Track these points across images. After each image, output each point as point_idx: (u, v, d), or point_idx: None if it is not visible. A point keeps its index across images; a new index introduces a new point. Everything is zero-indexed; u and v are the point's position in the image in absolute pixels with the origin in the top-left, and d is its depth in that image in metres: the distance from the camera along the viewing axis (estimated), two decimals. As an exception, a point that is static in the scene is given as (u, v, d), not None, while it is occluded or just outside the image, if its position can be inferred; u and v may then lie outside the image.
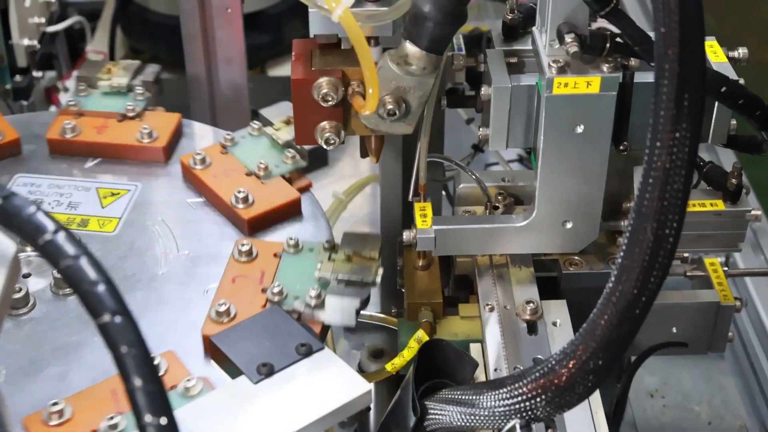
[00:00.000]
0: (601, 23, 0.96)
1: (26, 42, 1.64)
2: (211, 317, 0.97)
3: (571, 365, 0.82)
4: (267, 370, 0.85)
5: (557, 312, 1.06)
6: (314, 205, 1.17)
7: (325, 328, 1.01)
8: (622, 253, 0.80)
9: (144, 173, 1.23)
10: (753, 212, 1.09)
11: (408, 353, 1.07)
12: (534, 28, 1.02)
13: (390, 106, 0.98)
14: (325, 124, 1.02)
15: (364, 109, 0.97)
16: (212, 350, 0.89)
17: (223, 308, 0.97)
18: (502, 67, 1.04)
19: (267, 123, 1.26)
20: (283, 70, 2.10)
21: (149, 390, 0.60)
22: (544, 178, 1.02)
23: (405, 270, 1.17)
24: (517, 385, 0.84)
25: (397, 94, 0.98)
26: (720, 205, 1.08)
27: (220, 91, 1.66)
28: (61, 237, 0.62)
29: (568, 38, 0.95)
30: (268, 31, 2.06)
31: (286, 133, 1.21)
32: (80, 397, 0.91)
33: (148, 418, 0.59)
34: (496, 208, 1.14)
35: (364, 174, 1.74)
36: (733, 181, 1.08)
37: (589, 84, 0.97)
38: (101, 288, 0.61)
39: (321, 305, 1.00)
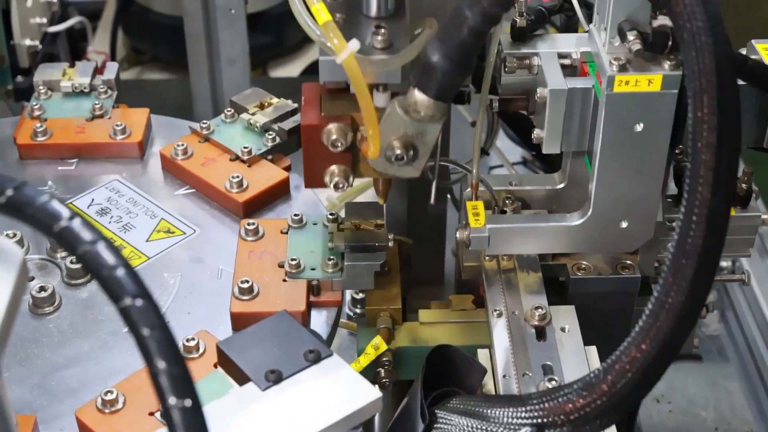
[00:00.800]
0: (662, 20, 0.95)
1: (28, 42, 1.63)
2: (236, 295, 1.04)
3: (595, 396, 0.82)
4: (275, 377, 0.84)
5: (566, 318, 1.05)
6: (299, 183, 1.20)
7: (339, 310, 1.08)
8: (660, 288, 0.80)
9: (123, 169, 1.25)
10: (763, 217, 1.09)
11: (364, 359, 1.08)
12: (591, 26, 1.01)
13: (398, 152, 0.97)
14: (334, 168, 1.02)
15: (368, 155, 0.97)
16: (219, 356, 0.88)
17: (246, 285, 1.04)
18: (557, 68, 1.03)
19: (241, 109, 1.28)
20: (284, 70, 2.10)
21: (173, 372, 0.59)
22: (600, 176, 1.01)
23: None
24: (535, 404, 0.84)
25: (406, 140, 0.97)
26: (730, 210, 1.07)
27: (222, 91, 1.66)
28: (76, 223, 0.61)
29: (631, 36, 0.94)
30: (270, 32, 2.05)
31: (262, 117, 1.26)
32: (128, 383, 0.95)
33: (172, 400, 0.59)
34: (504, 212, 1.13)
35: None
36: (743, 185, 1.07)
37: (650, 82, 0.95)
38: (121, 272, 0.60)
39: (339, 272, 1.08)
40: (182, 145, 1.23)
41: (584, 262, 1.11)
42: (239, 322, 1.02)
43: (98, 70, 1.35)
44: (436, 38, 0.93)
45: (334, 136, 0.99)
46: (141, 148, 1.27)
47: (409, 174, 1.00)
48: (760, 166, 1.26)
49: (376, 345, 1.07)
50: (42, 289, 1.05)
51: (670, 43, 0.95)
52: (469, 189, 1.17)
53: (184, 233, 1.16)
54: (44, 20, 1.71)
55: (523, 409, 0.84)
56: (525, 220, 1.09)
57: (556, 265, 1.12)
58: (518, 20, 1.06)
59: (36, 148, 1.26)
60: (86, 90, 1.32)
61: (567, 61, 1.05)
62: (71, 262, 1.08)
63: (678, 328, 0.80)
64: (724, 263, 1.47)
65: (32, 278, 1.08)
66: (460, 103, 1.20)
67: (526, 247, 1.09)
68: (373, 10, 0.98)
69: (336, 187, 1.02)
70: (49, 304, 1.06)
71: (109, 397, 0.93)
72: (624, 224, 1.05)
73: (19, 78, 1.63)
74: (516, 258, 1.11)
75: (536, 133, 1.05)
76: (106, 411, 0.93)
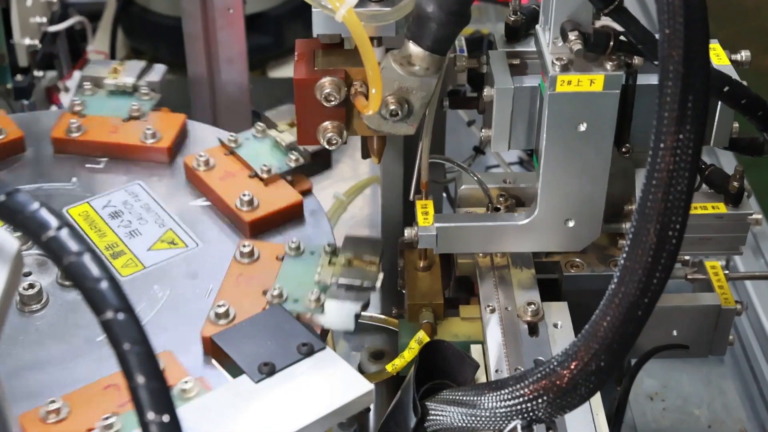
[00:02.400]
0: (605, 21, 0.96)
1: (27, 41, 1.64)
2: (210, 319, 0.98)
3: (573, 367, 0.82)
4: (268, 370, 0.85)
5: (558, 314, 1.06)
6: (316, 208, 1.17)
7: (325, 330, 1.01)
8: (624, 255, 0.80)
9: (148, 173, 1.23)
10: (754, 216, 1.09)
11: (408, 354, 1.07)
12: (537, 26, 1.02)
13: (393, 107, 0.98)
14: (327, 124, 1.02)
15: (367, 109, 0.97)
16: (213, 349, 0.89)
17: (221, 309, 0.98)
18: (504, 68, 1.04)
19: (271, 125, 1.26)
20: (283, 71, 2.10)
21: (152, 387, 0.60)
22: (546, 176, 1.02)
23: (406, 271, 1.17)
24: (518, 386, 0.84)
25: (400, 95, 0.98)
26: (722, 208, 1.08)
27: (221, 91, 1.66)
28: (64, 233, 0.62)
29: (572, 36, 0.95)
30: (269, 33, 2.06)
31: (290, 135, 1.21)
32: (78, 395, 0.91)
33: (150, 415, 0.59)
34: (498, 209, 1.14)
35: (364, 175, 1.74)
36: (735, 184, 1.08)
37: (592, 82, 0.97)
38: (104, 285, 0.61)
39: (320, 309, 1.00)
40: (204, 156, 1.19)
41: (577, 260, 1.12)
42: (210, 346, 0.96)
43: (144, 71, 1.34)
44: None
45: (327, 90, 0.99)
46: (170, 154, 1.24)
47: (404, 131, 1.01)
48: (755, 168, 1.27)
49: (420, 339, 1.07)
50: (30, 286, 1.04)
51: (612, 43, 0.96)
52: (464, 186, 1.18)
53: (187, 246, 1.12)
54: (44, 20, 1.72)
55: (505, 390, 0.85)
56: (472, 219, 1.10)
57: (549, 262, 1.13)
58: (512, 19, 1.07)
59: (68, 143, 1.24)
60: (129, 90, 1.31)
61: (516, 61, 1.05)
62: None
63: (645, 288, 0.80)
64: (718, 261, 1.47)
65: (29, 273, 1.08)
66: (459, 107, 1.20)
67: (474, 246, 1.10)
68: None
69: (329, 143, 1.01)
70: (36, 302, 1.04)
71: (53, 407, 0.90)
72: (571, 223, 1.06)
73: (19, 77, 1.64)
74: (509, 255, 1.12)
75: (484, 132, 1.05)
76: (48, 421, 0.89)
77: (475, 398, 0.89)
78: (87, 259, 0.62)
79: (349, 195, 1.63)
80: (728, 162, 1.59)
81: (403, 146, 1.27)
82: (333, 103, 0.99)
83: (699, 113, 0.78)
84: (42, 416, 0.89)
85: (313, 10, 0.96)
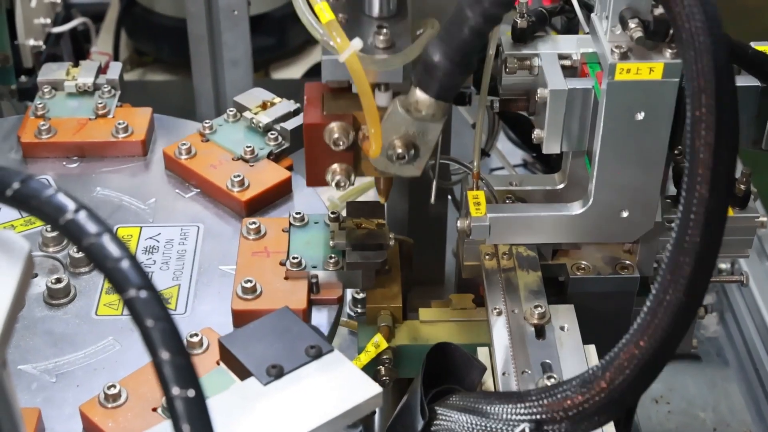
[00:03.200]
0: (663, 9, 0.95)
1: (32, 42, 1.64)
2: (238, 294, 1.04)
3: (593, 392, 0.82)
4: (276, 372, 0.84)
5: (565, 316, 1.05)
6: (300, 182, 1.22)
7: (340, 309, 1.09)
8: (655, 288, 0.81)
9: (126, 168, 1.26)
10: (760, 218, 1.09)
11: (365, 357, 1.08)
12: (593, 15, 1.01)
13: (399, 150, 0.98)
14: (335, 166, 1.03)
15: (370, 153, 0.98)
16: (221, 352, 0.89)
17: (248, 284, 1.04)
18: (557, 69, 1.03)
19: (243, 109, 1.28)
20: (287, 72, 2.11)
21: (176, 363, 0.59)
22: (601, 165, 1.02)
23: (365, 273, 1.17)
24: (533, 401, 0.85)
25: (407, 139, 0.98)
26: (729, 211, 1.08)
27: (225, 92, 1.66)
28: (82, 216, 0.62)
29: (632, 23, 0.94)
30: (272, 34, 2.06)
31: (265, 117, 1.27)
32: (133, 378, 0.95)
33: (175, 390, 0.59)
34: (504, 211, 1.14)
35: (364, 179, 1.73)
36: (742, 187, 1.07)
37: (651, 70, 0.96)
38: (126, 264, 0.61)
39: (341, 271, 1.08)
40: (186, 144, 1.24)
41: (583, 262, 1.12)
42: (240, 319, 1.03)
43: (102, 70, 1.36)
44: (438, 38, 0.93)
45: (336, 135, 1.00)
46: (144, 147, 1.28)
47: (410, 173, 1.01)
48: (760, 169, 1.26)
49: (377, 343, 1.08)
50: (58, 280, 1.07)
51: (671, 31, 0.95)
52: (469, 177, 1.18)
53: (175, 310, 1.09)
54: (48, 21, 1.72)
55: (522, 405, 0.85)
56: (526, 210, 1.10)
57: (555, 264, 1.13)
58: (519, 21, 1.07)
59: (40, 146, 1.26)
60: (90, 89, 1.33)
61: (567, 62, 1.05)
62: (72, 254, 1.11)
63: (675, 326, 0.80)
64: (723, 265, 1.47)
65: (35, 275, 1.09)
66: (461, 104, 1.20)
67: (526, 237, 1.10)
68: (375, 11, 0.99)
69: (338, 185, 1.03)
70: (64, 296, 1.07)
71: (112, 391, 0.93)
72: (625, 214, 1.05)
73: (23, 78, 1.64)
74: (516, 257, 1.11)
75: (536, 133, 1.05)
76: (110, 405, 0.93)
77: (487, 407, 0.88)
78: (106, 239, 0.61)
79: (345, 199, 1.62)
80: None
81: (408, 185, 1.28)
82: (341, 147, 1.00)
83: (729, 170, 0.80)
84: (102, 402, 0.93)
85: (323, 57, 0.97)
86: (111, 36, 2.06)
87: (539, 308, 1.04)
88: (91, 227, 0.62)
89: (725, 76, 0.81)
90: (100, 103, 1.30)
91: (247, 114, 1.28)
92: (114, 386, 0.94)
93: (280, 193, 1.21)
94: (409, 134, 0.98)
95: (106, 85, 1.33)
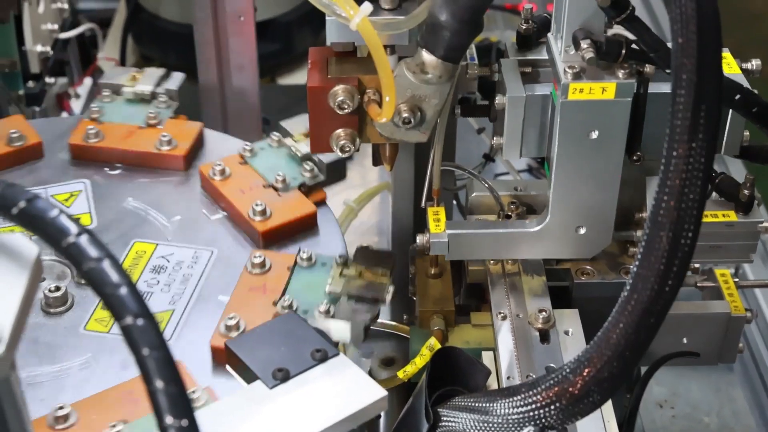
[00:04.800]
0: (617, 30, 0.97)
1: (39, 48, 1.65)
2: (220, 330, 0.98)
3: (585, 373, 0.82)
4: (283, 375, 0.85)
5: (569, 321, 1.06)
6: (329, 218, 1.17)
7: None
8: (637, 262, 0.80)
9: (164, 181, 1.23)
10: (764, 224, 1.10)
11: (420, 361, 1.08)
12: (549, 34, 1.02)
13: (405, 115, 0.98)
14: (340, 131, 1.02)
15: (381, 117, 0.98)
16: (228, 355, 0.90)
17: (232, 322, 0.98)
18: (516, 76, 1.04)
19: (287, 134, 1.26)
20: (293, 78, 2.11)
21: (171, 392, 0.60)
22: (557, 183, 1.03)
23: (417, 278, 1.17)
24: (531, 392, 0.85)
25: (413, 103, 0.98)
26: (732, 216, 1.09)
27: (231, 98, 1.67)
28: (84, 240, 0.63)
29: (584, 44, 0.95)
30: (278, 40, 2.07)
31: (305, 146, 1.20)
32: (88, 402, 0.92)
33: (169, 419, 0.60)
34: (509, 216, 1.14)
35: (373, 183, 1.74)
36: (746, 192, 1.08)
37: (604, 90, 0.97)
38: (123, 291, 0.61)
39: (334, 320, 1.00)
40: (220, 165, 1.19)
41: (588, 267, 1.13)
42: (219, 356, 0.96)
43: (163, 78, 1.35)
44: None
45: (340, 98, 0.99)
46: (185, 162, 1.24)
47: (416, 138, 1.01)
48: (764, 174, 1.27)
49: (431, 346, 1.07)
50: (56, 288, 1.06)
51: (624, 51, 0.96)
52: (475, 194, 1.18)
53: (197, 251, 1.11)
54: (55, 27, 1.73)
55: (518, 397, 0.85)
56: (483, 226, 1.10)
57: (560, 269, 1.13)
58: (524, 28, 1.08)
59: (85, 149, 1.25)
60: (147, 98, 1.32)
61: (528, 69, 1.06)
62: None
63: (657, 296, 0.80)
64: (728, 269, 1.48)
65: (43, 279, 1.09)
66: (470, 115, 1.21)
67: (485, 253, 1.10)
68: None
69: (342, 150, 1.02)
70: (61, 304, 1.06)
71: (61, 413, 0.90)
72: (582, 230, 1.06)
73: (30, 83, 1.65)
74: (520, 262, 1.12)
75: (496, 139, 1.06)
76: (57, 427, 0.90)
77: (488, 405, 0.89)
78: (106, 265, 0.62)
79: (359, 202, 1.63)
80: (737, 170, 1.59)
81: (415, 153, 1.27)
82: (346, 110, 1.00)
83: (712, 122, 0.79)
84: (50, 423, 0.89)
85: (327, 18, 0.97)
86: (118, 41, 2.06)
87: (544, 312, 1.05)
88: (92, 252, 0.62)
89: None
90: (152, 113, 1.28)
91: (288, 140, 1.24)
92: (62, 407, 0.90)
93: (302, 227, 1.15)
94: (415, 97, 0.98)
95: (163, 95, 1.33)
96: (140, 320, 0.61)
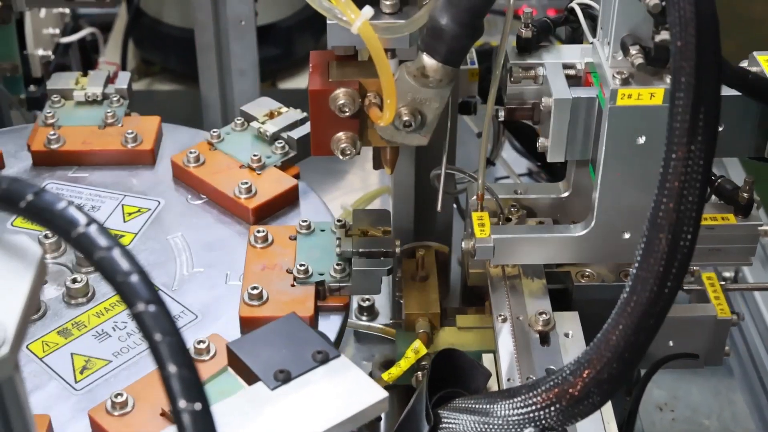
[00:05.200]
0: (664, 35, 0.96)
1: (41, 52, 1.66)
2: (245, 301, 1.05)
3: (585, 375, 0.82)
4: (284, 377, 0.85)
5: (569, 323, 1.06)
6: (306, 190, 1.24)
7: (346, 315, 1.09)
8: (636, 264, 0.81)
9: (134, 176, 1.27)
10: (764, 227, 1.10)
11: (404, 363, 1.09)
12: (595, 40, 1.03)
13: (406, 118, 0.99)
14: (341, 134, 1.03)
15: (381, 121, 0.98)
16: (229, 356, 0.90)
17: (255, 291, 1.05)
18: (561, 78, 1.04)
19: (250, 118, 1.29)
20: (293, 83, 2.12)
21: (183, 376, 0.60)
22: (603, 188, 1.03)
23: (403, 281, 1.18)
24: (531, 394, 0.85)
25: (414, 106, 0.99)
26: (731, 219, 1.09)
27: (232, 102, 1.67)
28: (93, 229, 0.63)
29: (633, 50, 0.96)
30: (279, 45, 2.07)
31: (272, 126, 1.28)
32: (140, 385, 0.96)
33: (182, 403, 0.60)
34: (509, 219, 1.15)
35: (373, 187, 1.75)
36: (745, 195, 1.08)
37: (652, 95, 0.97)
38: (135, 278, 0.62)
39: (346, 278, 1.09)
40: (194, 152, 1.25)
41: (588, 270, 1.13)
42: (248, 326, 1.04)
43: (110, 80, 1.37)
44: (445, 1, 0.93)
45: (341, 101, 1.00)
46: (152, 156, 1.29)
47: (417, 142, 1.02)
48: (763, 177, 1.27)
49: (416, 349, 1.09)
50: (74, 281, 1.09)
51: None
52: (474, 198, 1.19)
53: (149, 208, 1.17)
54: (57, 31, 1.74)
55: (518, 398, 0.86)
56: (529, 231, 1.10)
57: (560, 272, 1.14)
58: (524, 32, 1.08)
59: (49, 155, 1.28)
60: (99, 99, 1.34)
61: (572, 72, 1.06)
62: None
63: (656, 297, 0.80)
64: (726, 273, 1.48)
65: (44, 282, 1.10)
66: (466, 113, 1.22)
67: (530, 257, 1.10)
68: None
69: (343, 153, 1.03)
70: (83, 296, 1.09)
71: (119, 399, 0.94)
72: (627, 235, 1.06)
73: (32, 87, 1.65)
74: (520, 265, 1.13)
75: (541, 141, 1.06)
76: (116, 413, 0.94)
77: (488, 406, 0.89)
78: (117, 253, 0.62)
79: (357, 206, 1.63)
80: (736, 173, 1.59)
81: (415, 157, 1.28)
82: (347, 114, 1.00)
83: (711, 124, 0.79)
84: (109, 409, 0.94)
85: (328, 22, 0.97)
86: (119, 46, 2.07)
87: (544, 315, 1.05)
88: (102, 241, 0.62)
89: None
90: (109, 112, 1.31)
91: (254, 123, 1.29)
92: (121, 394, 0.94)
93: (286, 201, 1.22)
94: (416, 101, 0.98)
95: (115, 95, 1.35)
96: (152, 306, 0.61)
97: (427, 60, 0.96)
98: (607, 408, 0.96)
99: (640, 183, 1.03)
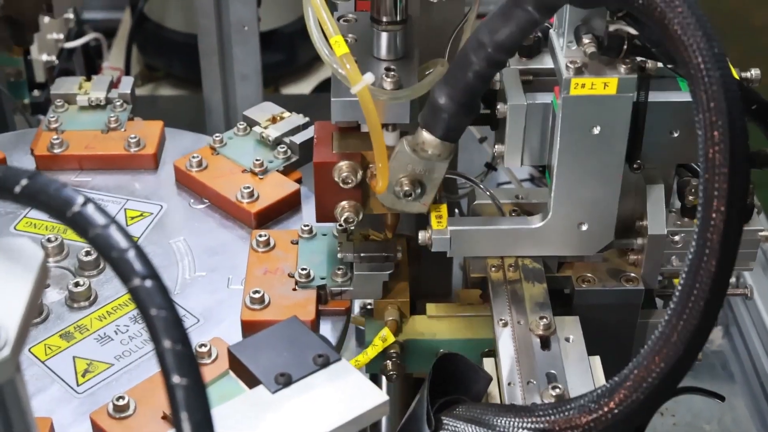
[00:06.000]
0: (618, 25, 0.97)
1: (45, 57, 1.66)
2: (247, 305, 1.06)
3: (602, 412, 0.83)
4: (285, 380, 0.85)
5: (570, 328, 1.06)
6: (309, 195, 1.24)
7: (348, 319, 1.10)
8: (669, 311, 0.82)
9: (137, 180, 1.28)
10: (764, 232, 1.10)
11: (371, 351, 1.09)
12: (551, 30, 1.03)
13: (407, 188, 1.01)
14: (344, 203, 1.05)
15: (378, 188, 1.00)
16: (231, 360, 0.90)
17: (257, 295, 1.06)
18: (517, 85, 1.05)
19: (252, 123, 1.30)
20: (296, 88, 2.12)
21: (178, 351, 0.60)
22: (559, 179, 1.03)
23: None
24: (545, 412, 0.85)
25: (414, 177, 1.01)
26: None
27: (235, 107, 1.68)
28: (90, 208, 0.63)
29: (586, 39, 0.96)
30: (281, 50, 2.08)
31: (274, 131, 1.29)
32: (142, 388, 0.97)
33: (176, 378, 0.60)
34: (510, 224, 1.15)
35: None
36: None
37: (606, 85, 0.97)
38: (131, 253, 0.62)
39: (348, 282, 1.10)
40: (197, 157, 1.25)
41: (589, 274, 1.13)
42: (250, 329, 1.04)
43: (113, 84, 1.38)
44: (443, 81, 0.97)
45: (345, 173, 1.03)
46: (155, 160, 1.29)
47: (417, 210, 1.04)
48: (764, 182, 1.27)
49: (384, 337, 1.09)
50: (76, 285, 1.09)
51: (625, 46, 0.96)
52: (477, 202, 1.19)
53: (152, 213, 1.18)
54: (61, 36, 1.74)
55: (529, 420, 0.86)
56: (486, 223, 1.10)
57: (561, 276, 1.14)
58: (525, 36, 1.08)
59: (53, 159, 1.28)
60: (102, 103, 1.35)
61: (529, 78, 1.07)
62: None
63: (688, 351, 0.81)
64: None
65: (47, 285, 1.10)
66: (473, 124, 1.21)
67: (487, 250, 1.11)
68: (384, 53, 1.03)
69: (346, 221, 1.05)
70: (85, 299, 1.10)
71: (121, 402, 0.95)
72: (584, 227, 1.06)
73: (36, 92, 1.66)
74: (521, 269, 1.13)
75: (497, 147, 1.07)
76: (118, 416, 0.95)
77: (494, 419, 0.89)
78: (113, 230, 0.62)
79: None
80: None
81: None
82: (350, 185, 1.03)
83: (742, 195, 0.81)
84: (111, 412, 0.94)
85: (332, 99, 1.00)
86: (122, 51, 2.08)
87: (545, 319, 1.05)
88: (99, 219, 0.63)
89: (736, 109, 0.82)
90: (112, 117, 1.32)
91: (256, 128, 1.30)
92: (122, 397, 0.95)
93: (289, 206, 1.23)
94: (416, 172, 1.01)
95: (118, 99, 1.35)
96: (148, 281, 0.61)
97: (426, 136, 0.99)
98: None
99: (596, 174, 1.03)
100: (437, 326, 1.12)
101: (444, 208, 1.10)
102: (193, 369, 0.60)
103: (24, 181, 0.64)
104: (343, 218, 1.05)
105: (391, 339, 1.10)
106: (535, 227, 1.07)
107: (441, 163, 1.01)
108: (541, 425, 0.85)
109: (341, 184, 1.03)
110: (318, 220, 1.08)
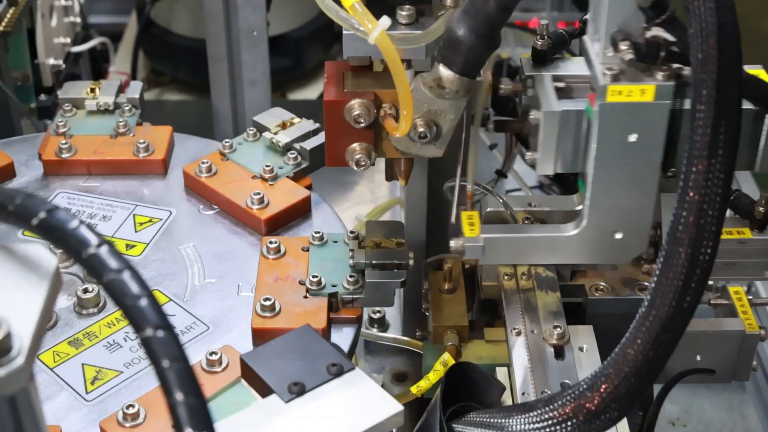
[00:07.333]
0: (655, 31, 0.96)
1: (52, 62, 1.65)
2: (258, 312, 1.05)
3: (602, 389, 0.82)
4: (298, 389, 0.85)
5: (584, 337, 1.05)
6: (319, 201, 1.24)
7: (359, 327, 1.09)
8: (655, 278, 0.80)
9: (146, 186, 1.27)
10: (778, 241, 1.09)
11: (433, 376, 1.07)
12: (585, 37, 1.02)
13: (421, 129, 0.98)
14: (356, 145, 1.02)
15: (397, 132, 0.98)
16: (243, 369, 0.90)
17: (268, 303, 1.05)
18: (551, 91, 1.04)
19: (262, 128, 1.29)
20: (303, 93, 2.12)
21: (191, 404, 0.60)
22: (595, 187, 1.01)
23: (431, 293, 1.17)
24: (547, 408, 0.84)
25: (429, 117, 0.98)
26: (747, 234, 1.08)
27: (243, 112, 1.67)
28: (104, 251, 0.63)
29: (623, 46, 0.94)
30: (288, 55, 2.07)
31: (285, 137, 1.27)
32: (151, 396, 0.96)
33: (189, 431, 0.59)
34: (523, 232, 1.14)
35: (383, 198, 1.74)
36: (761, 209, 1.07)
37: (643, 92, 0.96)
38: (144, 302, 0.61)
39: (359, 290, 1.08)
40: (206, 162, 1.24)
41: (602, 283, 1.12)
42: (260, 338, 1.03)
43: (122, 89, 1.37)
44: (462, 12, 0.93)
45: (356, 112, 1.00)
46: (164, 166, 1.28)
47: (432, 153, 1.01)
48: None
49: (445, 362, 1.07)
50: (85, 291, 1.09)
51: (662, 53, 0.95)
52: (489, 209, 1.18)
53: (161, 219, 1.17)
54: (68, 40, 1.73)
55: (534, 413, 0.85)
56: (519, 230, 1.09)
57: (574, 285, 1.13)
58: (539, 43, 1.07)
59: (61, 164, 1.27)
60: (110, 108, 1.34)
61: (561, 84, 1.05)
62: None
63: (676, 311, 0.80)
64: (742, 286, 1.47)
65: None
66: (480, 125, 1.21)
67: (520, 258, 1.10)
68: None
69: (357, 164, 1.03)
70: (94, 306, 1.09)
71: (131, 411, 0.94)
72: (618, 235, 1.05)
73: (43, 96, 1.65)
74: (535, 278, 1.12)
75: (530, 154, 1.05)
76: (127, 425, 0.94)
77: (503, 420, 0.89)
78: (126, 276, 0.62)
79: (371, 217, 1.63)
80: (749, 188, 1.59)
81: (428, 168, 1.27)
82: (362, 124, 1.00)
83: (731, 138, 0.79)
84: (120, 420, 0.93)
85: (343, 32, 0.97)
86: (129, 56, 2.07)
87: (558, 329, 1.04)
88: (112, 263, 0.62)
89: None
90: (121, 122, 1.31)
91: (266, 133, 1.29)
92: (132, 405, 0.94)
93: (299, 212, 1.22)
94: (431, 112, 0.98)
95: (126, 104, 1.34)
96: (160, 332, 0.61)
97: (444, 71, 0.96)
98: (623, 424, 0.95)
99: (632, 182, 1.01)
100: (495, 350, 1.11)
101: (476, 215, 1.08)
102: (207, 422, 0.60)
103: (42, 214, 0.63)
104: (354, 161, 1.03)
105: (452, 363, 1.08)
106: (569, 235, 1.06)
107: (458, 102, 0.97)
108: (544, 415, 0.85)
109: (353, 124, 1.00)
110: (328, 164, 1.06)
